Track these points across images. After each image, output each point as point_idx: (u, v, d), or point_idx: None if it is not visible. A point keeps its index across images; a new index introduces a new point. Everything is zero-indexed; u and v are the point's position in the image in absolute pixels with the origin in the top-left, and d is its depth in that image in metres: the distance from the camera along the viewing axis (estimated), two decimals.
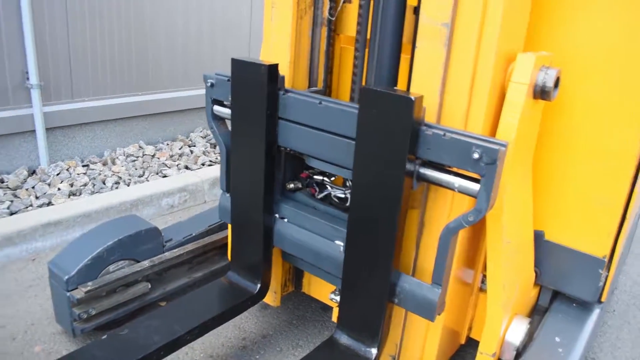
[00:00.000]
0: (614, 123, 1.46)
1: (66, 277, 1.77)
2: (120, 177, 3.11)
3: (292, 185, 1.75)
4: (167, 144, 3.72)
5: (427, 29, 1.30)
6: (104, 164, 3.28)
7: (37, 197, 2.78)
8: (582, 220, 1.58)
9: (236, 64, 1.56)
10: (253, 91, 1.54)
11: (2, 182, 2.91)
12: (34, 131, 3.07)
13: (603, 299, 1.69)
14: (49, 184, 2.93)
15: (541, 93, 1.33)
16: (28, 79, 2.97)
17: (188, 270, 2.18)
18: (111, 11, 3.31)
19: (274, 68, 1.51)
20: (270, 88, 1.51)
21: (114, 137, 3.51)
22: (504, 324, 1.51)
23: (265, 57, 1.71)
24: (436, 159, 1.26)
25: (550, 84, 1.31)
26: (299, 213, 1.66)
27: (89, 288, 1.78)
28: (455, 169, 1.28)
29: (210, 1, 3.89)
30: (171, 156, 3.52)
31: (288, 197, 1.76)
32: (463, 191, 1.26)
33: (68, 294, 1.78)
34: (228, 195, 1.81)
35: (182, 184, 3.00)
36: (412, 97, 1.20)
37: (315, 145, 1.51)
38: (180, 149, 3.66)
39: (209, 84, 1.70)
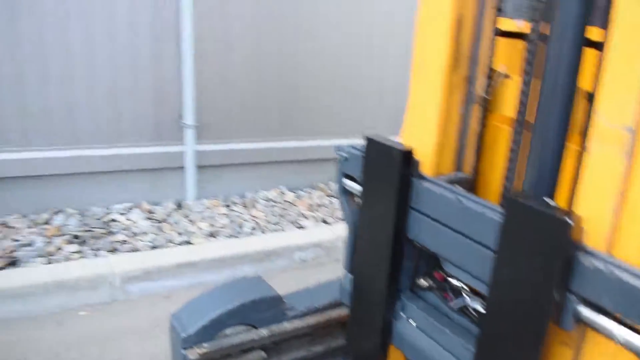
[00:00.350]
0: None
1: (183, 335, 1.77)
2: (257, 223, 3.15)
3: (423, 282, 1.57)
4: (308, 192, 3.73)
5: (602, 129, 1.06)
6: (245, 206, 3.36)
7: (179, 234, 2.90)
8: None
9: (370, 142, 1.44)
10: (384, 175, 1.41)
11: (151, 212, 3.11)
12: (183, 167, 3.24)
13: None
14: (191, 221, 3.06)
15: None
16: (181, 118, 3.15)
17: (308, 343, 2.07)
18: (267, 61, 3.42)
19: (408, 154, 1.36)
20: (402, 174, 1.37)
21: (258, 179, 3.60)
22: None
23: (408, 134, 1.57)
24: (595, 298, 1.01)
25: None
26: (428, 318, 1.48)
27: (204, 351, 1.76)
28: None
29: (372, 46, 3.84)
30: (310, 205, 3.51)
31: (417, 295, 1.58)
32: (630, 348, 0.99)
33: (183, 351, 1.77)
34: (351, 276, 1.69)
35: (317, 240, 2.95)
36: (569, 220, 0.98)
37: (448, 246, 1.32)
38: (320, 198, 3.64)
39: (342, 157, 1.60)
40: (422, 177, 1.40)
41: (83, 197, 3.07)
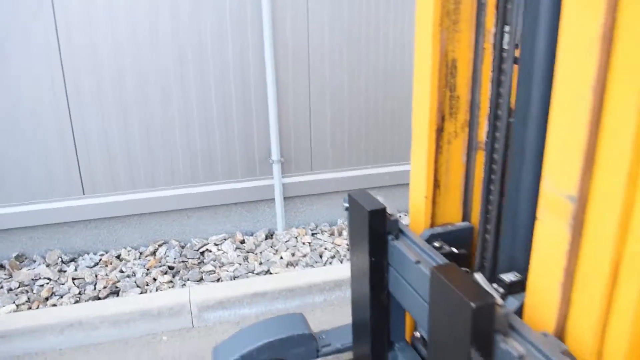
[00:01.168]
0: None
1: None
2: (338, 252, 3.20)
3: (417, 334, 1.50)
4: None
5: (548, 196, 0.94)
6: (331, 234, 3.43)
7: (260, 264, 3.06)
8: None
9: (351, 200, 1.43)
10: (360, 231, 1.38)
11: (242, 242, 3.32)
12: (274, 199, 3.42)
13: None
14: (275, 251, 3.21)
15: None
16: (271, 155, 3.34)
17: None
18: (342, 94, 3.47)
19: (377, 213, 1.32)
20: (373, 232, 1.33)
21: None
22: None
23: (411, 185, 1.52)
24: None
25: None
26: None
27: None
28: None
29: None
30: None
31: (413, 346, 1.52)
32: None
33: None
34: None
35: None
36: (473, 305, 0.87)
37: (412, 306, 1.26)
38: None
39: (344, 206, 1.60)
40: (398, 235, 1.36)
41: (186, 230, 3.40)
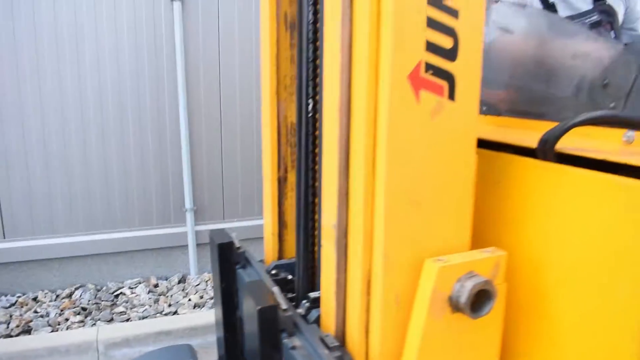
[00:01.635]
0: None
1: None
2: None
3: None
4: None
5: (324, 227, 1.30)
6: None
7: (169, 305, 3.32)
8: None
9: (210, 235, 1.76)
10: (214, 263, 1.72)
11: (156, 286, 3.58)
12: (187, 246, 3.71)
13: None
14: (186, 294, 3.48)
15: (457, 307, 1.15)
16: (184, 204, 3.66)
17: None
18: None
19: (225, 245, 1.67)
20: (222, 263, 1.67)
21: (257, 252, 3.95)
22: None
23: (264, 224, 1.87)
24: None
25: (463, 298, 1.07)
26: None
27: None
28: None
29: None
30: None
31: None
32: None
33: None
34: None
35: None
36: (258, 307, 1.21)
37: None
38: None
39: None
40: (245, 265, 1.70)
41: (103, 274, 3.63)
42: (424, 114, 1.06)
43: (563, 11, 2.12)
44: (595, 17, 2.10)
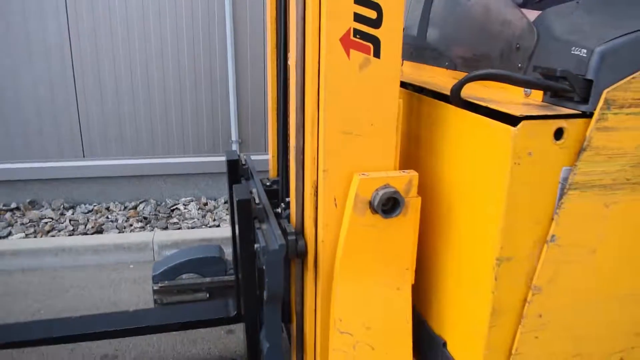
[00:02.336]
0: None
1: (152, 274, 2.76)
2: None
3: None
4: None
5: (290, 149, 1.76)
6: None
7: (214, 220, 3.93)
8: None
9: (227, 154, 2.27)
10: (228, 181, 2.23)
11: (205, 205, 4.20)
12: None
13: None
14: (227, 212, 4.08)
15: (373, 209, 1.60)
16: (231, 137, 4.20)
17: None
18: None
19: (233, 162, 2.17)
20: (229, 176, 2.17)
21: None
22: None
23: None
24: None
25: (376, 202, 1.59)
26: None
27: (162, 285, 2.73)
28: None
29: None
30: None
31: None
32: None
33: (152, 284, 2.76)
34: None
35: None
36: (237, 199, 1.71)
37: None
38: None
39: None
40: (248, 178, 2.19)
41: (162, 191, 4.29)
42: (354, 67, 1.48)
43: None
44: None
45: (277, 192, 2.12)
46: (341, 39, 1.44)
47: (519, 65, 1.61)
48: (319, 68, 1.48)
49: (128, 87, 3.97)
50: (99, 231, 3.73)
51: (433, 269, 1.79)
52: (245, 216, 1.72)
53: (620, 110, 1.38)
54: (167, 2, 3.87)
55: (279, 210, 1.86)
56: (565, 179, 1.42)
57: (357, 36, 1.45)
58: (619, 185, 1.46)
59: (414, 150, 1.84)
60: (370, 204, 1.55)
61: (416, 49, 2.24)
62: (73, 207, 4.06)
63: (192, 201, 4.22)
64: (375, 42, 1.47)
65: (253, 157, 4.05)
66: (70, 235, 3.65)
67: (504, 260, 1.45)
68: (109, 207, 4.11)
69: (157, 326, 2.32)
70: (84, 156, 4.06)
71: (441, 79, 1.92)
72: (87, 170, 4.05)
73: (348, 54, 1.45)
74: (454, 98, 1.54)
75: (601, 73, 1.36)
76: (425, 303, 1.88)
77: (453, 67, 1.95)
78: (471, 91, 1.59)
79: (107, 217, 3.91)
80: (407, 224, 1.62)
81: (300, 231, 1.70)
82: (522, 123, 1.32)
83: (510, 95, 1.58)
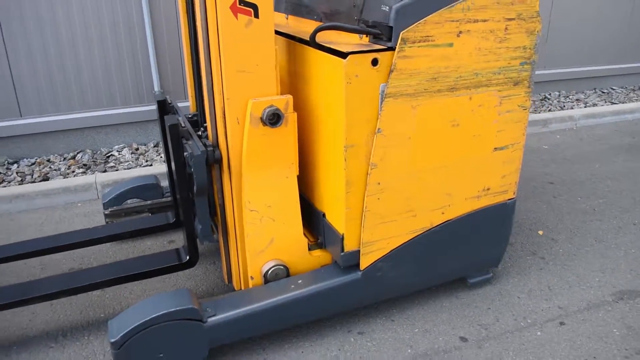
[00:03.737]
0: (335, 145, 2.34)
1: (103, 201, 3.40)
2: None
3: None
4: None
5: (203, 88, 2.45)
6: None
7: (146, 161, 4.54)
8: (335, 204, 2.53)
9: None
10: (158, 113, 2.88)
11: (136, 150, 4.78)
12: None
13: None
14: (159, 154, 4.69)
15: (264, 122, 2.34)
16: (153, 87, 4.77)
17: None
18: None
19: (162, 102, 2.82)
20: (159, 113, 2.83)
21: None
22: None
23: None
24: None
25: (264, 117, 2.27)
26: None
27: (112, 210, 3.38)
28: None
29: None
30: None
31: None
32: None
33: (103, 210, 3.40)
34: None
35: None
36: (168, 123, 2.40)
37: None
38: None
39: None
40: (175, 112, 2.85)
41: (96, 141, 4.82)
42: (241, 26, 2.16)
43: None
44: None
45: (197, 122, 2.81)
46: (230, 7, 2.11)
47: (355, 18, 2.35)
48: (217, 28, 2.15)
49: (56, 47, 4.41)
50: (45, 179, 4.25)
51: (310, 164, 2.58)
52: (175, 136, 2.39)
53: (412, 44, 2.17)
54: None
55: (199, 133, 2.56)
56: (383, 92, 2.20)
57: (242, 4, 2.12)
58: (419, 93, 2.27)
59: (294, 81, 2.58)
60: (261, 119, 2.27)
61: (297, 6, 2.93)
62: (17, 162, 4.53)
63: (125, 147, 4.79)
64: (255, 7, 2.14)
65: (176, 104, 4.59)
66: (20, 184, 4.16)
67: (349, 147, 2.23)
68: (49, 159, 4.61)
69: (112, 235, 2.97)
70: (20, 115, 4.50)
71: (311, 28, 2.64)
72: (25, 128, 4.50)
73: (236, 16, 2.13)
74: (312, 42, 2.28)
75: (397, 22, 2.14)
76: (309, 189, 2.67)
77: (320, 19, 2.67)
78: (327, 37, 2.34)
79: (50, 167, 4.42)
80: (287, 131, 2.36)
81: (216, 145, 2.40)
82: (349, 57, 2.08)
83: (351, 38, 2.33)
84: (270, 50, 2.23)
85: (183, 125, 2.46)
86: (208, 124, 2.43)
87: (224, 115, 2.29)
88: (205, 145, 2.33)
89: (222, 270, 3.05)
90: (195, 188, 2.33)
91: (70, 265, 3.13)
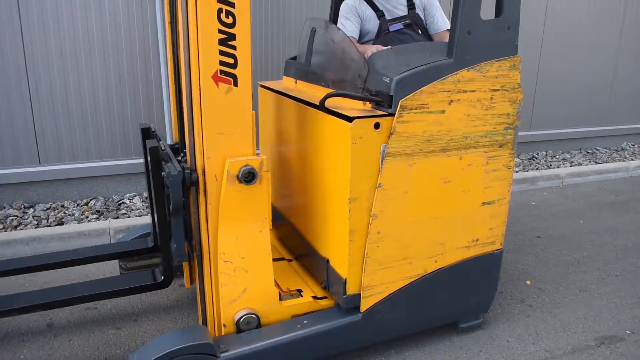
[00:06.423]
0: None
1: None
2: None
3: None
4: None
5: (185, 124, 2.73)
6: None
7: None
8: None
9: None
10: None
11: (147, 198, 5.04)
12: None
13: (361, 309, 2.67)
14: None
15: (239, 180, 2.34)
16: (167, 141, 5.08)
17: None
18: None
19: (145, 129, 3.06)
20: (143, 140, 3.03)
21: None
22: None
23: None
24: None
25: (240, 175, 2.30)
26: None
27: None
28: None
29: None
30: None
31: None
32: None
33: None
34: None
35: None
36: (149, 145, 2.66)
37: None
38: None
39: None
40: (158, 140, 3.07)
41: (109, 189, 5.08)
42: (221, 93, 2.30)
43: (389, 16, 3.46)
44: (408, 21, 3.47)
45: (178, 149, 2.96)
46: (212, 76, 2.20)
47: (360, 86, 2.67)
48: (200, 94, 2.21)
49: (77, 101, 4.74)
50: (60, 223, 4.48)
51: (316, 215, 2.84)
52: (155, 158, 2.50)
53: (410, 111, 2.49)
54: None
55: (179, 158, 2.74)
56: (384, 151, 2.50)
57: (222, 74, 2.21)
58: (415, 153, 2.57)
59: (301, 139, 2.87)
60: (237, 177, 2.33)
61: (305, 72, 3.27)
62: (33, 207, 4.78)
63: (136, 195, 5.05)
64: (234, 77, 2.23)
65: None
66: (36, 227, 4.39)
67: (353, 199, 2.50)
68: (63, 204, 4.86)
69: (91, 257, 3.16)
70: (39, 162, 4.78)
71: (319, 93, 2.97)
72: (42, 175, 4.77)
73: (217, 85, 2.21)
74: (321, 107, 2.59)
75: (397, 91, 2.46)
76: (315, 238, 2.92)
77: (327, 86, 2.99)
78: (334, 102, 2.65)
79: (65, 213, 4.66)
80: (262, 189, 2.42)
81: (194, 169, 2.33)
82: (355, 121, 2.39)
83: (355, 104, 2.65)
84: (247, 114, 2.32)
85: (163, 148, 2.70)
86: (188, 157, 2.43)
87: (204, 172, 2.33)
88: (182, 167, 2.33)
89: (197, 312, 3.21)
90: (171, 206, 2.31)
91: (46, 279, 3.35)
